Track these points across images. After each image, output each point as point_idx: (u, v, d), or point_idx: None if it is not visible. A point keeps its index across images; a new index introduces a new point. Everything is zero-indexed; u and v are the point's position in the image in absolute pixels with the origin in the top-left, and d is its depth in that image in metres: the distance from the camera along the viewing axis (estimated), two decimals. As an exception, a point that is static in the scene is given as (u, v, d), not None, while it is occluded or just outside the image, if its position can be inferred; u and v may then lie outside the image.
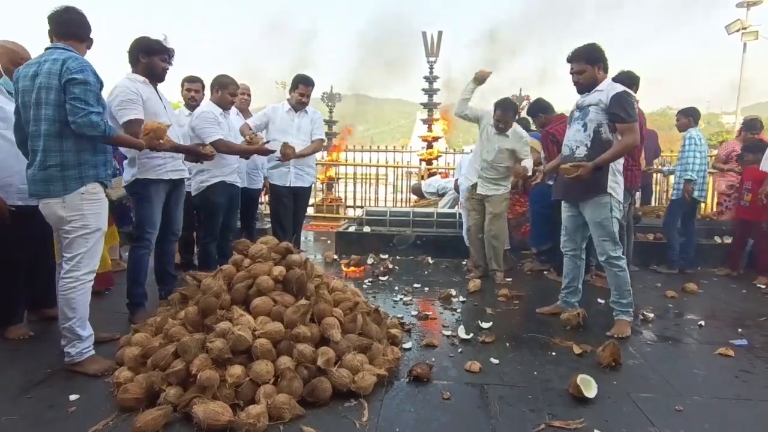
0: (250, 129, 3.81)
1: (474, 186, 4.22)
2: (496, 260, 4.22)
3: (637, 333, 3.00)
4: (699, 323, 3.19)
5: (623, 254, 2.99)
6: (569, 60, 3.00)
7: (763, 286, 4.19)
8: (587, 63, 2.92)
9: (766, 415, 2.03)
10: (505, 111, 3.97)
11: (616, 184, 2.91)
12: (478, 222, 4.26)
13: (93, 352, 2.32)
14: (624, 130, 2.82)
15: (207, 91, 3.85)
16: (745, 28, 15.00)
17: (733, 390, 2.26)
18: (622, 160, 3.01)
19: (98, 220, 2.31)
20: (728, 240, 5.08)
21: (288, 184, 3.97)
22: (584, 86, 2.97)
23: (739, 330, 3.07)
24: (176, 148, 2.90)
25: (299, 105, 3.93)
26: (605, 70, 2.96)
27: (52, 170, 2.19)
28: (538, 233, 4.65)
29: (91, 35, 2.39)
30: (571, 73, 3.01)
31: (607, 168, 2.88)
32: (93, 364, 2.27)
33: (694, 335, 3.00)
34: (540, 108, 4.45)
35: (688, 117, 4.55)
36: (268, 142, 3.69)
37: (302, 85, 3.89)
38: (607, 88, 2.87)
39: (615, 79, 3.41)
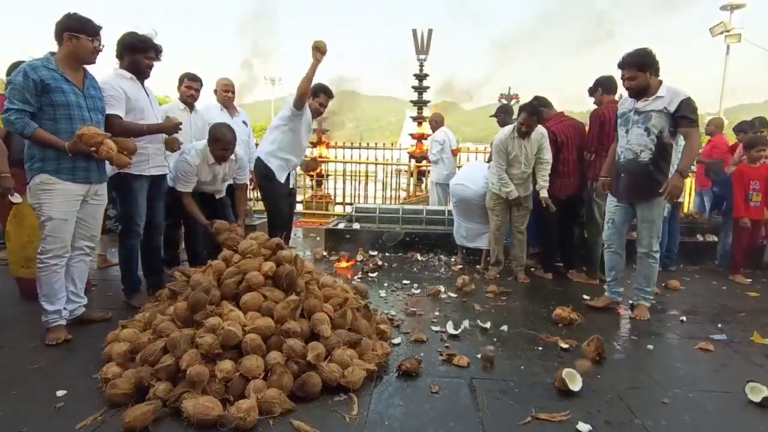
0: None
1: (501, 194, 4.12)
2: (523, 254, 4.28)
3: (621, 328, 3.07)
4: (681, 319, 3.27)
5: (659, 248, 3.27)
6: (620, 66, 3.10)
7: (747, 282, 4.35)
8: (638, 70, 3.02)
9: (744, 408, 2.10)
10: (531, 114, 3.92)
11: None
12: (505, 221, 4.27)
13: (59, 323, 2.56)
14: (689, 134, 2.99)
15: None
16: (728, 31, 15.28)
17: (713, 383, 2.33)
18: (676, 161, 3.16)
19: (51, 209, 2.47)
20: (710, 238, 5.20)
21: (291, 186, 4.07)
22: (636, 91, 3.08)
23: (719, 325, 3.16)
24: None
25: (316, 113, 3.94)
26: (657, 75, 3.06)
27: (24, 163, 2.53)
28: (534, 233, 4.72)
29: (69, 32, 2.46)
30: (622, 79, 3.13)
31: (668, 169, 3.09)
32: (50, 333, 2.53)
33: (676, 330, 3.07)
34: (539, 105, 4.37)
35: None
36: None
37: (324, 95, 3.87)
38: (670, 95, 3.01)
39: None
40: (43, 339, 2.50)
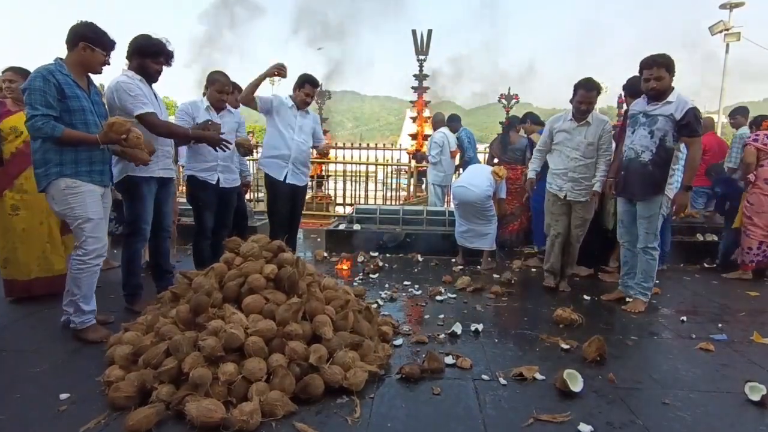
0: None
1: (560, 194, 3.79)
2: (572, 265, 3.96)
3: (622, 329, 3.08)
4: (681, 319, 3.28)
5: (658, 246, 3.38)
6: (647, 66, 3.12)
7: None
8: (667, 71, 3.09)
9: (744, 408, 2.11)
10: (589, 90, 3.52)
11: (671, 184, 3.27)
12: (566, 228, 3.85)
13: (94, 322, 2.63)
14: (693, 143, 3.15)
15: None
16: (727, 30, 15.30)
17: (714, 384, 2.34)
18: (682, 162, 3.41)
19: (86, 211, 2.50)
20: (710, 238, 5.20)
21: (282, 179, 3.87)
22: (659, 92, 3.12)
23: (719, 325, 3.16)
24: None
25: (303, 104, 3.89)
26: (672, 80, 3.15)
27: (34, 169, 2.50)
28: (539, 232, 4.73)
29: (86, 42, 2.48)
30: (648, 78, 3.12)
31: (667, 171, 3.21)
32: (93, 333, 2.58)
33: (677, 330, 3.08)
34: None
35: None
36: (223, 133, 3.29)
37: (309, 85, 3.85)
38: (678, 102, 3.10)
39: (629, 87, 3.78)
40: (42, 342, 2.51)
